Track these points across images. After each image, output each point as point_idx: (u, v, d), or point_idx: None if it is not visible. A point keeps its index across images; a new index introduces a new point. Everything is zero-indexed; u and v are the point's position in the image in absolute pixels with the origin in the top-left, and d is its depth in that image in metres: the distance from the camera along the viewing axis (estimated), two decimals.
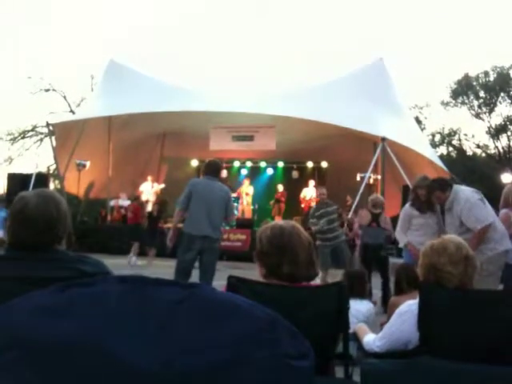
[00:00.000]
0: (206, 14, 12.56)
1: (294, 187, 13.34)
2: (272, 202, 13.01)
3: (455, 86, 23.16)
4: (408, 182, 9.81)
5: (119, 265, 8.64)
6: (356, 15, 12.40)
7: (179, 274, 3.87)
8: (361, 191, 9.64)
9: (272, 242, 1.55)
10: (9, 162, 22.83)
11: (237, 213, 12.52)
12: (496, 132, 22.99)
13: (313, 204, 12.77)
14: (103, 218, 12.85)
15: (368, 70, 11.23)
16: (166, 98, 10.52)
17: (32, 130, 23.04)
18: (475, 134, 24.01)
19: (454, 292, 1.59)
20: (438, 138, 24.25)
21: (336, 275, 4.90)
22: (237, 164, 14.64)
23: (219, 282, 1.75)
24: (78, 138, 11.48)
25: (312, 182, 13.13)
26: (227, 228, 10.59)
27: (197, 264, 4.02)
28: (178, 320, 0.55)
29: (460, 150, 23.80)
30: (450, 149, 24.44)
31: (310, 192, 12.94)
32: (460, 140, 24.16)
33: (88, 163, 12.31)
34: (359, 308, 2.98)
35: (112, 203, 12.53)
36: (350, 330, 1.68)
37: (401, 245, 4.05)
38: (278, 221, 1.96)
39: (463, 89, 22.81)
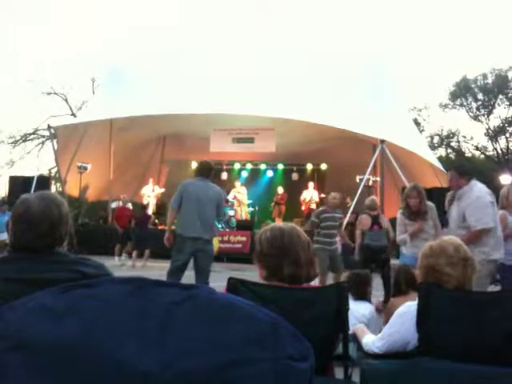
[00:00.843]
0: (205, 14, 12.53)
1: (294, 189, 13.35)
2: (273, 204, 13.01)
3: (454, 89, 23.20)
4: (407, 184, 9.80)
5: (119, 266, 8.66)
6: (356, 18, 12.38)
7: (172, 275, 3.88)
8: (359, 193, 9.64)
9: (272, 243, 1.55)
10: (10, 164, 22.88)
11: (233, 213, 12.54)
12: (494, 134, 23.02)
13: (313, 205, 12.80)
14: (104, 221, 12.86)
15: (367, 72, 11.26)
16: (166, 100, 10.54)
17: (33, 133, 23.08)
18: (474, 135, 24.02)
19: (453, 293, 1.59)
20: (436, 139, 24.27)
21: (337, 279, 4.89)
22: (237, 166, 14.65)
23: (219, 284, 1.75)
24: (80, 140, 11.50)
25: (311, 184, 13.14)
26: (220, 229, 10.56)
27: (191, 265, 4.03)
28: (178, 321, 0.55)
29: (459, 152, 23.81)
30: (449, 151, 24.46)
31: (309, 194, 12.94)
32: (459, 142, 24.20)
33: (89, 166, 12.32)
34: (361, 309, 2.98)
35: (113, 206, 12.54)
36: (350, 331, 1.69)
37: (407, 241, 3.99)
38: (277, 222, 1.97)
39: (462, 91, 22.85)
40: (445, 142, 24.19)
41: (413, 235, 3.91)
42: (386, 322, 2.03)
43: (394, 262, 6.01)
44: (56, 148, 11.82)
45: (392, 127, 10.61)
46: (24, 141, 23.11)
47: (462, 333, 1.50)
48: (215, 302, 0.57)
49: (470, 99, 23.02)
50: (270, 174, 14.51)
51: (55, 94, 22.94)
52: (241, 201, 12.92)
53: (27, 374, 0.53)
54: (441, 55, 32.87)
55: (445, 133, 23.98)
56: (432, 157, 13.48)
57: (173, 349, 0.53)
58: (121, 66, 12.17)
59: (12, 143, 22.91)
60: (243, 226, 11.84)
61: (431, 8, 34.07)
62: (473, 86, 22.80)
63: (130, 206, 11.16)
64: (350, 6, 12.71)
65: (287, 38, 11.53)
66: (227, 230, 11.75)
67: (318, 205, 12.80)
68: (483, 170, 20.43)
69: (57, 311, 0.56)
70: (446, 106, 23.54)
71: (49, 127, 12.11)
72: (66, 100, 23.19)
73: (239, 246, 10.84)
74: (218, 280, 3.73)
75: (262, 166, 14.46)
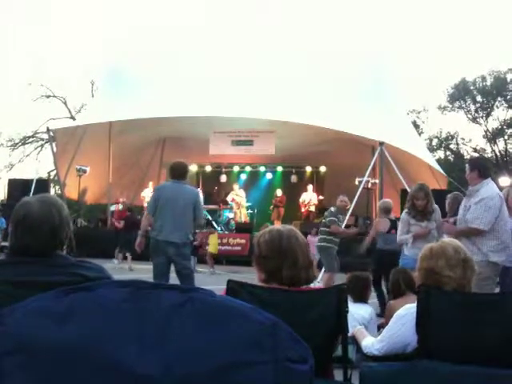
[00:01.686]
0: (205, 15, 12.53)
1: (293, 192, 13.35)
2: (272, 207, 13.01)
3: (452, 91, 23.26)
4: (406, 186, 9.81)
5: (119, 269, 8.64)
6: (355, 18, 12.41)
7: (157, 278, 3.87)
8: (357, 195, 9.64)
9: (271, 246, 1.56)
10: (9, 167, 22.86)
11: (232, 215, 12.52)
12: (493, 136, 23.06)
13: (312, 208, 12.79)
14: (103, 223, 12.85)
15: (367, 74, 11.29)
16: (165, 103, 10.55)
17: (33, 136, 23.08)
18: (472, 138, 24.05)
19: (453, 295, 1.60)
20: (435, 142, 24.31)
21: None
22: (236, 169, 14.65)
23: (218, 286, 1.76)
24: (79, 143, 11.50)
25: (311, 187, 13.15)
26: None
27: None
28: (177, 324, 0.55)
29: (457, 154, 23.84)
30: (448, 153, 24.49)
31: (308, 196, 12.94)
32: (457, 144, 24.23)
33: (88, 169, 12.31)
34: (360, 312, 2.98)
35: (112, 208, 12.53)
36: (349, 333, 1.69)
37: (409, 242, 3.95)
38: (276, 225, 1.98)
39: (460, 93, 22.91)
40: (443, 145, 24.23)
41: (417, 237, 3.86)
42: (386, 324, 2.03)
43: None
44: (55, 151, 11.82)
45: (391, 129, 10.63)
46: (23, 144, 23.12)
47: (461, 335, 1.50)
48: (214, 305, 0.57)
49: (469, 101, 23.08)
50: (269, 176, 14.51)
51: (54, 96, 22.99)
52: (239, 203, 12.92)
53: (26, 377, 0.53)
54: (440, 56, 33.01)
55: (443, 135, 24.04)
56: (431, 159, 13.51)
57: (172, 351, 0.54)
58: (120, 67, 12.18)
59: (11, 146, 22.93)
60: (242, 228, 11.84)
61: (431, 9, 34.24)
62: (472, 88, 22.87)
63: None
64: (350, 6, 12.73)
65: (287, 38, 11.54)
66: (226, 232, 11.75)
67: (316, 207, 12.82)
68: None
69: (57, 314, 0.56)
70: (444, 108, 23.60)
71: (48, 130, 12.10)
72: (65, 103, 23.24)
73: (238, 248, 10.83)
74: (218, 282, 3.73)
75: (262, 169, 14.47)
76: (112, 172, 12.67)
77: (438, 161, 17.67)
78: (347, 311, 1.58)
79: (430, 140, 24.09)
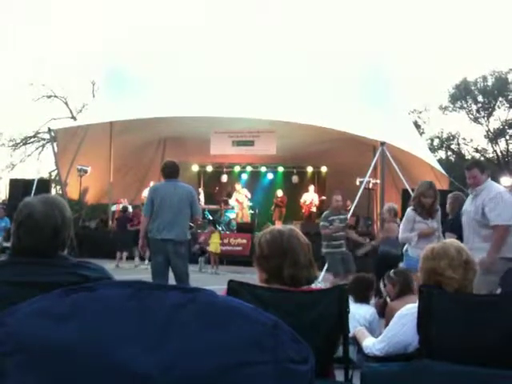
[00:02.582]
0: (205, 15, 12.53)
1: (294, 192, 13.35)
2: (273, 207, 13.02)
3: (454, 91, 23.23)
4: (407, 186, 9.80)
5: (121, 269, 8.65)
6: (355, 18, 12.41)
7: (155, 278, 3.89)
8: (359, 195, 9.63)
9: (272, 245, 1.56)
10: (11, 167, 22.90)
11: (234, 215, 12.53)
12: (494, 136, 23.03)
13: (313, 208, 12.79)
14: (104, 224, 12.86)
15: (367, 74, 11.28)
16: (166, 103, 10.56)
17: (34, 136, 23.11)
18: (474, 138, 23.99)
19: (454, 295, 1.60)
20: (436, 142, 24.28)
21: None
22: (237, 169, 14.66)
23: (220, 286, 1.76)
24: (80, 143, 11.51)
25: (312, 187, 13.14)
26: (221, 231, 10.57)
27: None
28: (178, 324, 0.56)
29: (459, 154, 23.81)
30: (449, 153, 24.46)
31: (310, 196, 12.94)
32: (459, 144, 24.19)
33: (89, 169, 12.33)
34: (361, 312, 2.98)
35: (113, 208, 12.55)
36: (350, 334, 1.69)
37: (414, 241, 3.91)
38: (276, 225, 1.98)
39: (462, 93, 22.88)
40: (445, 145, 24.20)
41: (422, 236, 3.78)
42: (387, 325, 2.03)
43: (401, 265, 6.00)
44: (56, 151, 11.84)
45: (392, 129, 10.62)
46: (24, 144, 23.16)
47: (462, 335, 1.50)
48: (216, 305, 0.57)
49: (470, 101, 23.05)
50: (270, 176, 14.51)
51: (55, 97, 23.03)
52: (242, 204, 12.94)
53: (28, 377, 0.53)
54: (441, 56, 32.94)
55: (445, 135, 24.00)
56: (432, 159, 13.50)
57: (173, 351, 0.54)
58: (120, 67, 12.19)
59: (12, 146, 22.97)
60: (243, 228, 11.84)
61: (431, 9, 34.17)
62: (473, 88, 22.84)
63: (130, 209, 11.20)
64: (350, 6, 12.73)
65: (287, 38, 11.54)
66: (228, 232, 11.75)
67: (318, 207, 12.82)
68: None
69: (58, 315, 0.56)
70: (446, 108, 23.57)
71: (49, 130, 12.13)
72: (67, 103, 23.27)
73: (239, 248, 10.84)
74: (219, 282, 3.73)
75: (263, 169, 14.47)
76: (113, 172, 12.69)
77: (440, 161, 17.64)
78: (348, 311, 1.58)
79: (432, 140, 24.06)
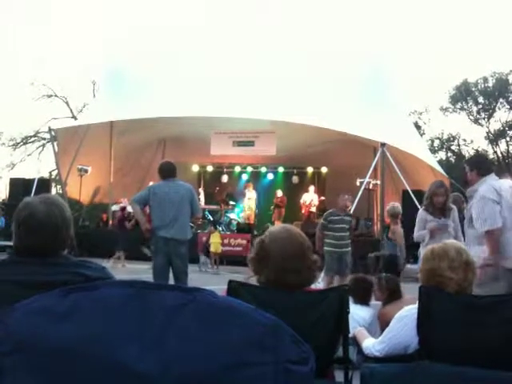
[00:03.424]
0: (205, 15, 12.54)
1: (294, 192, 13.34)
2: (272, 207, 13.03)
3: (454, 92, 23.24)
4: (407, 187, 9.79)
5: (121, 269, 8.65)
6: (355, 18, 12.41)
7: (156, 278, 3.89)
8: (359, 196, 9.63)
9: (272, 246, 1.55)
10: (11, 167, 22.92)
11: (234, 216, 12.53)
12: (495, 137, 23.03)
13: (313, 209, 12.79)
14: (104, 223, 12.87)
15: (368, 75, 11.28)
16: (166, 103, 10.56)
17: (34, 136, 23.13)
18: (474, 139, 24.01)
19: (453, 297, 1.59)
20: (437, 143, 24.30)
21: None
22: (237, 169, 14.66)
23: (220, 287, 1.75)
24: (80, 143, 11.51)
25: (312, 188, 13.15)
26: (221, 231, 10.56)
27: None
28: (178, 324, 0.56)
29: (459, 156, 23.80)
30: (449, 154, 24.47)
31: (309, 197, 12.93)
32: (459, 145, 24.20)
33: (89, 168, 12.33)
34: (361, 313, 2.98)
35: (113, 208, 12.55)
36: (350, 335, 1.69)
37: (426, 238, 3.87)
38: (276, 226, 1.97)
39: (462, 94, 22.89)
40: (445, 146, 24.20)
41: (433, 231, 3.73)
42: (382, 329, 2.03)
43: (412, 266, 6.11)
44: (56, 150, 11.85)
45: (393, 130, 10.62)
46: (25, 143, 23.18)
47: (462, 336, 1.50)
48: (216, 306, 0.57)
49: (471, 103, 23.06)
50: (270, 176, 14.52)
51: (56, 96, 23.04)
52: (250, 206, 12.97)
53: (27, 376, 0.54)
54: (441, 58, 32.92)
55: (445, 136, 24.02)
56: (432, 160, 13.49)
57: (173, 351, 0.54)
58: (120, 67, 12.20)
59: (13, 145, 22.99)
60: (243, 228, 11.84)
61: (431, 9, 34.18)
62: (473, 89, 22.85)
63: (130, 209, 11.19)
64: (350, 6, 12.73)
65: (287, 38, 11.54)
66: (228, 232, 11.75)
67: (317, 208, 12.81)
68: None
69: (58, 314, 0.56)
70: (446, 109, 23.59)
71: (49, 130, 12.13)
72: (67, 103, 23.28)
73: (240, 248, 10.83)
74: (219, 283, 3.72)
75: (263, 169, 14.48)
76: (113, 172, 12.69)
77: (440, 162, 17.63)
78: (348, 312, 1.58)
79: (432, 141, 24.07)
